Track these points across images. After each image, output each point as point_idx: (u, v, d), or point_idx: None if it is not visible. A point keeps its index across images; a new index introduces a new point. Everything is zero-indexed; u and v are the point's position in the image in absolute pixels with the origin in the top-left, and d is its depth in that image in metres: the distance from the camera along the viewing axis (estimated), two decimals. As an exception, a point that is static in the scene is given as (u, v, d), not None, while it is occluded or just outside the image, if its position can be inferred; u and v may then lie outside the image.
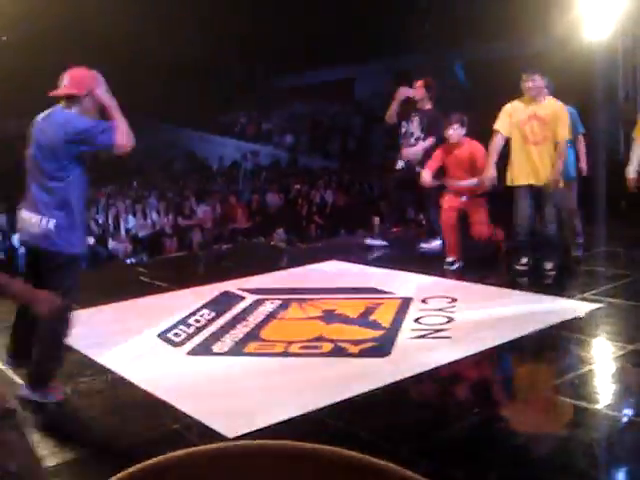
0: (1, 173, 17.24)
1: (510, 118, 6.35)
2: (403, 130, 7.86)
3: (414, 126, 7.76)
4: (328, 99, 22.64)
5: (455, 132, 6.84)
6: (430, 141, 7.63)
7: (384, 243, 8.15)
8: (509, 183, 6.39)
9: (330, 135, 21.30)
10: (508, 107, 6.42)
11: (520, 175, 6.31)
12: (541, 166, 6.23)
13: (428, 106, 7.79)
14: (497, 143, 6.37)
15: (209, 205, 14.20)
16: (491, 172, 6.35)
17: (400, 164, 7.90)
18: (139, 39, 19.35)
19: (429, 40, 17.12)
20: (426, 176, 6.98)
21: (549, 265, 6.41)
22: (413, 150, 7.69)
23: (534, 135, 6.25)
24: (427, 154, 7.46)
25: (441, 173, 7.10)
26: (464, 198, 6.89)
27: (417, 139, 7.73)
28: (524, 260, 6.51)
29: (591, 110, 7.57)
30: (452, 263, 6.98)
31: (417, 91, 7.76)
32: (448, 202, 6.99)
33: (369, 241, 8.23)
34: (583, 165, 6.96)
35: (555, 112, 6.23)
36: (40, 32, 19.99)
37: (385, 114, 7.98)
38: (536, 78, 6.22)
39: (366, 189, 15.48)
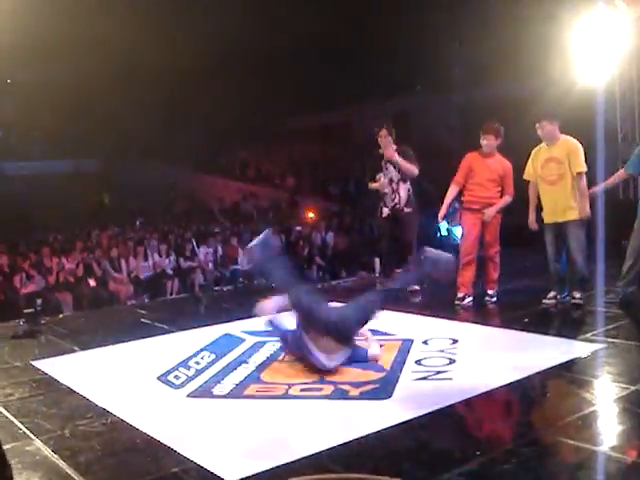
0: (5, 215, 17.36)
1: (532, 164, 6.92)
2: (382, 182, 8.02)
3: (390, 171, 7.97)
4: (328, 141, 22.83)
5: (489, 142, 7.15)
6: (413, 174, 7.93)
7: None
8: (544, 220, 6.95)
9: (331, 177, 21.41)
10: (532, 153, 6.96)
11: (546, 214, 6.87)
12: (559, 204, 6.72)
13: (394, 147, 7.98)
14: (532, 191, 6.98)
15: (210, 247, 14.21)
16: (531, 218, 6.97)
17: (386, 211, 8.07)
18: (144, 83, 19.59)
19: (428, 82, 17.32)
20: (451, 193, 7.33)
21: (577, 294, 6.79)
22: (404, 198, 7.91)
23: (550, 175, 6.75)
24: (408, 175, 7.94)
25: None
26: (486, 214, 7.16)
27: (397, 182, 7.96)
28: (551, 294, 6.95)
29: (590, 151, 7.65)
30: (463, 298, 7.19)
31: (383, 140, 7.92)
32: (469, 225, 7.27)
33: None
34: None
35: (568, 149, 6.67)
36: (43, 78, 20.23)
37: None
38: (544, 124, 6.70)
39: (367, 231, 15.50)
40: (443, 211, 7.37)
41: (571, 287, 6.89)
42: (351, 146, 22.62)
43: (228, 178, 23.49)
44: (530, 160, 6.97)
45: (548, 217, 6.86)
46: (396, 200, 7.96)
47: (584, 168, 6.66)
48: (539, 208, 7.00)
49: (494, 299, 7.31)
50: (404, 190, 7.97)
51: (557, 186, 6.73)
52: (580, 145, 6.74)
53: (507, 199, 7.21)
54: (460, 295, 7.22)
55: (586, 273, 6.78)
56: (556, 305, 6.91)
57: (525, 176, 7.02)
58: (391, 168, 7.97)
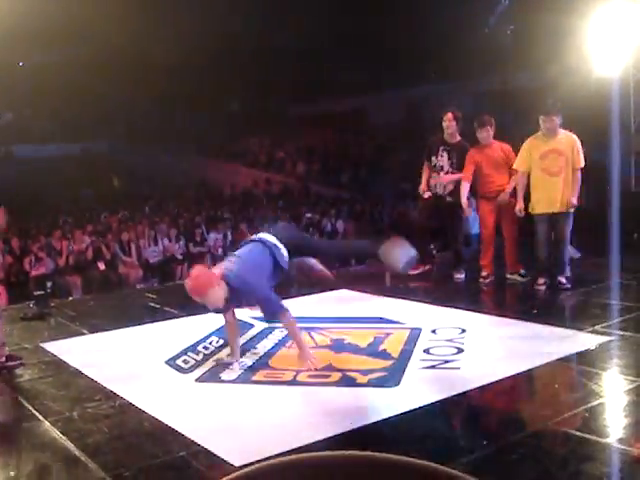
0: (16, 198, 17.41)
1: (529, 155, 7.00)
2: (433, 164, 7.95)
3: (444, 160, 7.86)
4: (340, 128, 22.75)
5: (488, 134, 7.48)
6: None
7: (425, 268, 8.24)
8: (530, 210, 7.05)
9: (342, 164, 21.35)
10: (526, 145, 7.05)
11: (540, 204, 6.96)
12: (559, 195, 6.87)
13: (457, 138, 7.89)
14: (521, 181, 7.07)
15: (220, 232, 14.23)
16: (520, 204, 7.05)
17: (428, 194, 8.01)
18: (156, 68, 19.57)
19: (444, 70, 17.22)
20: (465, 189, 7.53)
21: (563, 279, 7.01)
22: (447, 178, 7.84)
23: (553, 167, 6.89)
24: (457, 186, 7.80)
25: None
26: (500, 199, 7.47)
27: (447, 173, 7.83)
28: (541, 280, 7.14)
29: (604, 142, 7.61)
30: (487, 277, 7.62)
31: (448, 125, 7.83)
32: (485, 213, 7.62)
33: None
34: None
35: (571, 144, 6.88)
36: (55, 61, 20.22)
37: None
38: (554, 118, 6.89)
39: (377, 218, 15.48)
40: (466, 207, 7.61)
41: (557, 274, 7.10)
42: (364, 133, 22.56)
43: (239, 164, 23.47)
44: (526, 151, 7.04)
45: (542, 207, 6.95)
46: (439, 190, 7.90)
47: (583, 163, 6.94)
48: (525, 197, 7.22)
49: (524, 278, 7.53)
50: (450, 176, 7.85)
51: (558, 177, 6.88)
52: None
53: (515, 178, 7.44)
54: (484, 274, 7.65)
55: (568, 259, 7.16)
56: (546, 291, 7.11)
57: (519, 166, 7.10)
58: (445, 157, 7.84)
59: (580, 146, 6.90)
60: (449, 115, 7.83)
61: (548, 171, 6.91)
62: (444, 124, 7.86)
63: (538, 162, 6.94)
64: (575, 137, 6.94)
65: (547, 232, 7.02)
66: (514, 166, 7.18)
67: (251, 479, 1.08)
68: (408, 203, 14.46)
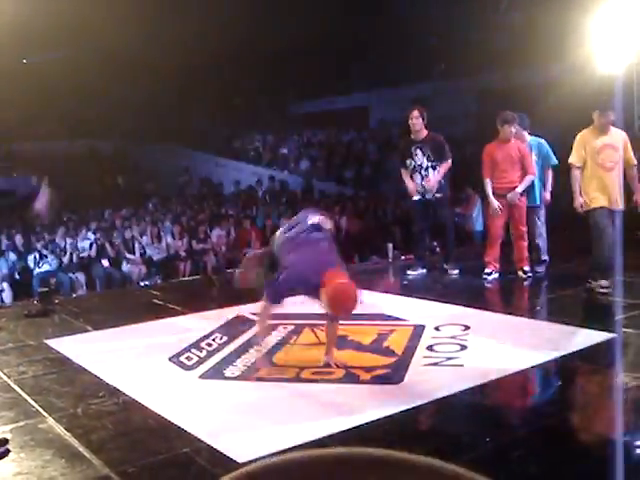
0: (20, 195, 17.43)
1: (584, 149, 6.84)
2: (410, 167, 7.98)
3: (419, 158, 7.89)
4: (344, 126, 22.74)
5: (512, 130, 7.49)
6: (447, 165, 7.82)
7: (424, 272, 8.20)
8: (585, 207, 6.89)
9: (345, 162, 21.32)
10: (580, 139, 6.90)
11: (598, 198, 6.78)
12: (613, 190, 6.76)
13: (424, 133, 7.93)
14: (576, 176, 6.88)
15: (223, 229, 14.23)
16: (579, 200, 6.85)
17: (417, 196, 8.02)
18: (160, 65, 19.58)
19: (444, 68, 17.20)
20: (488, 186, 7.60)
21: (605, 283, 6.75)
22: (434, 181, 7.85)
23: (610, 162, 6.78)
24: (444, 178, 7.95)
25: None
26: (509, 197, 7.49)
27: (427, 169, 7.84)
28: (605, 283, 6.70)
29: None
30: (490, 274, 7.60)
31: (415, 122, 7.87)
32: (497, 215, 7.58)
33: (410, 272, 8.25)
34: (547, 195, 7.82)
35: (624, 140, 6.85)
36: (59, 59, 20.25)
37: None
38: (610, 114, 6.75)
39: (380, 215, 15.47)
40: (493, 204, 7.59)
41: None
42: (367, 130, 22.55)
43: (242, 161, 23.46)
44: (580, 145, 6.87)
45: (601, 201, 6.76)
46: (429, 196, 7.91)
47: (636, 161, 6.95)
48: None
49: (530, 274, 7.56)
50: (434, 177, 7.89)
51: (613, 173, 6.78)
52: None
53: (530, 178, 7.55)
54: (488, 271, 7.63)
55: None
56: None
57: (576, 161, 6.86)
58: (420, 154, 7.88)
59: (630, 143, 6.88)
60: (415, 113, 7.89)
61: (603, 166, 6.78)
62: (410, 122, 7.92)
63: (594, 156, 6.79)
64: (624, 134, 6.90)
65: (609, 226, 6.68)
66: (569, 160, 6.95)
67: (255, 477, 1.09)
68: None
